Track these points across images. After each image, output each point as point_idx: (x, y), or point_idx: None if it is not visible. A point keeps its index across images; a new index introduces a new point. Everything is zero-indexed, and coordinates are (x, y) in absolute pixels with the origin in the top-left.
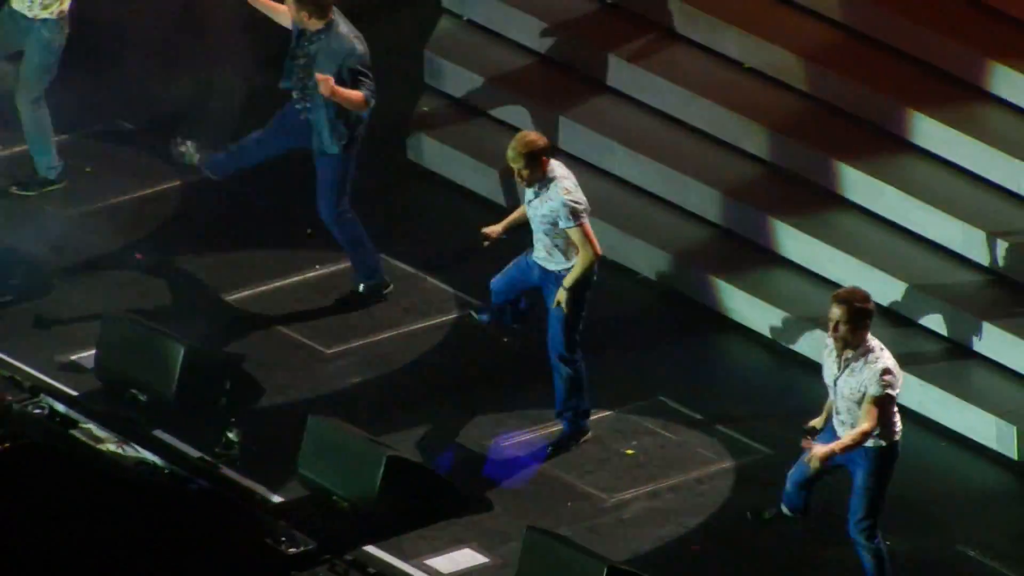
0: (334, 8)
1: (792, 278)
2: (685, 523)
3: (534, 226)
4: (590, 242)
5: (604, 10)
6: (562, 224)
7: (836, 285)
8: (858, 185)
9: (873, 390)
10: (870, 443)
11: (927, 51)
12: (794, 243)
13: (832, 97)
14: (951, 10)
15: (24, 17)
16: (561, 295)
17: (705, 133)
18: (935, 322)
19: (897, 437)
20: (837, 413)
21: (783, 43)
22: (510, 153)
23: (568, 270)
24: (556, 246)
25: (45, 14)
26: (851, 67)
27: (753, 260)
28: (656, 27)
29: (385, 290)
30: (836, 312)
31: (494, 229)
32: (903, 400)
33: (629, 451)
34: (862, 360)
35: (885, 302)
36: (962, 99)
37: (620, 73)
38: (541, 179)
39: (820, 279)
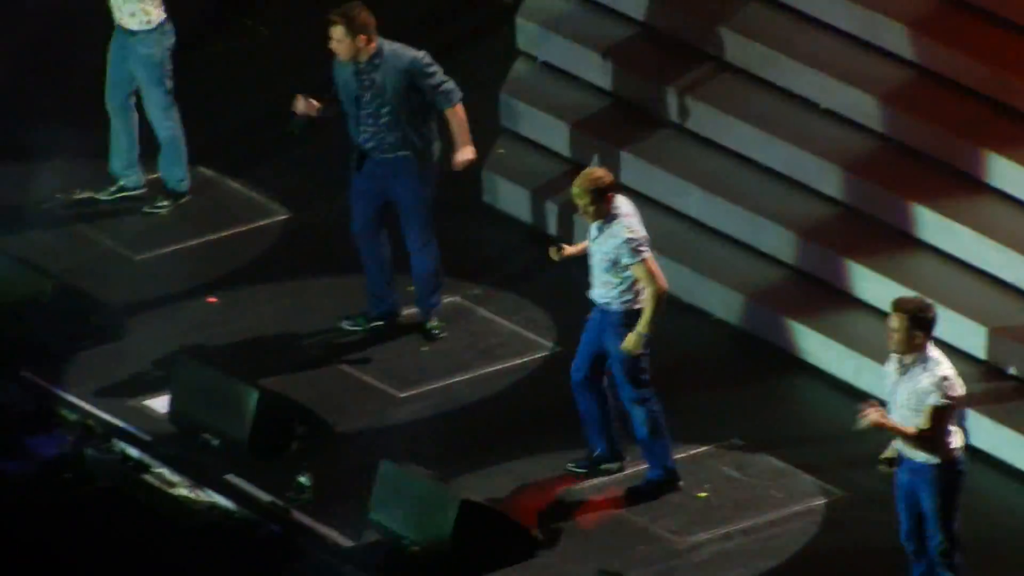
0: None
1: (867, 320)
2: (758, 567)
3: (595, 263)
4: (655, 277)
5: (679, 51)
6: (624, 260)
7: None
8: (933, 226)
9: (933, 399)
10: (926, 460)
11: (1003, 91)
12: (869, 284)
13: (908, 138)
14: None
15: (122, 30)
16: (633, 340)
17: (780, 174)
18: (1011, 364)
19: (955, 454)
20: None
21: (859, 84)
22: (575, 189)
23: (625, 305)
24: (615, 284)
25: (134, 24)
26: (927, 108)
27: (828, 302)
28: (731, 68)
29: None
30: (895, 321)
31: (567, 248)
32: (977, 442)
33: (702, 494)
34: (920, 367)
35: (960, 344)
36: None
37: (695, 114)
38: (606, 215)
39: None
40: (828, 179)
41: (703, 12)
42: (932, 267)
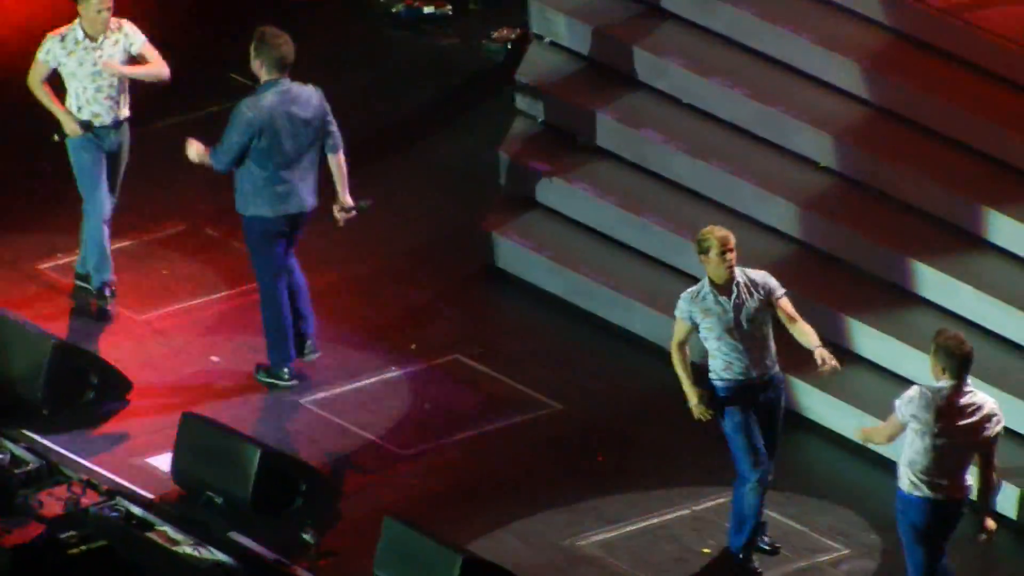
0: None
1: (868, 377)
2: None
3: (750, 328)
4: None
5: (680, 111)
6: (779, 293)
7: (912, 384)
8: (934, 283)
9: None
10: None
11: (1003, 149)
12: (869, 341)
13: (907, 196)
14: None
15: (103, 128)
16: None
17: (779, 231)
18: (1013, 421)
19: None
20: None
21: (858, 142)
22: (734, 241)
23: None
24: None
25: (125, 113)
26: (926, 165)
27: None
28: (729, 127)
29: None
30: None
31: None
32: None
33: (705, 550)
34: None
35: None
36: None
37: (695, 173)
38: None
39: (896, 377)
40: (828, 237)
41: (702, 71)
42: (933, 324)
